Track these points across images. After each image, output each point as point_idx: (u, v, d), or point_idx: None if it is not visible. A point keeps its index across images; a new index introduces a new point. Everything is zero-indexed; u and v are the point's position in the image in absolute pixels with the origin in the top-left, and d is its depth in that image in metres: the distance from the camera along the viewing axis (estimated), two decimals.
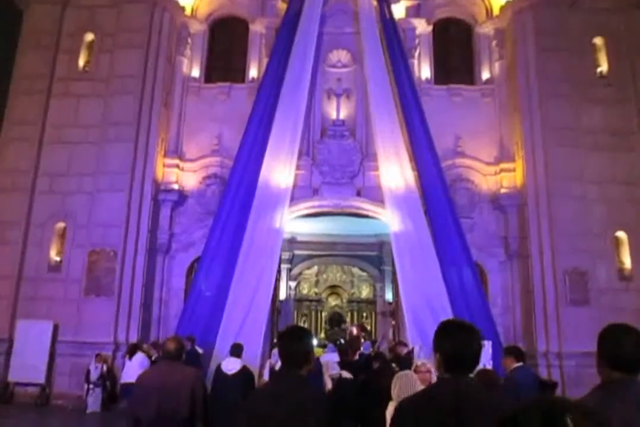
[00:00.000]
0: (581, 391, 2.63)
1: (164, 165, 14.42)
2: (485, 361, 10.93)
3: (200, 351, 11.04)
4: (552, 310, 12.73)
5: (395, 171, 13.60)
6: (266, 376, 10.35)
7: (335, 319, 28.92)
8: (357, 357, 12.67)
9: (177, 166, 14.53)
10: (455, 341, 2.41)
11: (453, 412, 2.20)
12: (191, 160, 14.67)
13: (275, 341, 15.00)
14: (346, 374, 7.83)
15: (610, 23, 14.35)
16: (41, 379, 12.23)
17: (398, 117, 13.86)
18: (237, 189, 13.46)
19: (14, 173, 13.51)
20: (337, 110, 14.81)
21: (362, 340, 20.40)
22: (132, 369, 10.51)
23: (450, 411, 2.20)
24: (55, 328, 12.55)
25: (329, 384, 8.10)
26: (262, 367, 10.95)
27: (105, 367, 11.74)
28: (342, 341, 19.97)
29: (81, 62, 14.49)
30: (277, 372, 3.21)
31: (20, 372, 12.15)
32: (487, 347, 11.28)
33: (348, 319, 28.62)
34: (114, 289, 12.77)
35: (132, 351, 11.15)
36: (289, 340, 3.15)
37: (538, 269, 13.06)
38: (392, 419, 2.40)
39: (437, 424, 2.18)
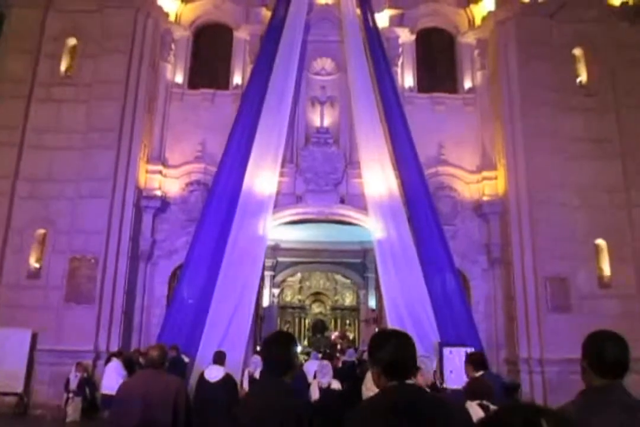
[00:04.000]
0: (563, 398, 2.66)
1: (146, 172, 14.34)
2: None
3: (186, 359, 10.95)
4: (534, 316, 12.84)
5: (378, 179, 13.67)
6: (245, 385, 10.27)
7: (319, 327, 28.86)
8: (339, 364, 12.68)
9: (160, 173, 14.46)
10: (390, 348, 2.46)
11: (405, 419, 2.21)
12: (174, 167, 14.60)
13: (257, 348, 14.95)
14: (335, 384, 7.78)
15: (591, 33, 14.59)
16: (19, 388, 12.03)
17: (382, 125, 13.95)
18: (221, 196, 13.43)
19: None
20: (321, 117, 14.86)
21: (339, 347, 20.37)
22: (109, 378, 10.41)
23: (401, 419, 2.21)
24: (34, 336, 12.37)
25: (315, 393, 8.05)
26: (242, 375, 10.87)
27: (86, 376, 11.59)
28: (326, 349, 19.94)
29: (63, 66, 14.38)
30: (260, 378, 3.24)
31: None
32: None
33: (332, 326, 28.58)
34: (95, 297, 12.63)
35: (108, 358, 11.04)
36: (273, 346, 3.16)
37: (519, 275, 13.17)
38: None
39: None
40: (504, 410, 1.40)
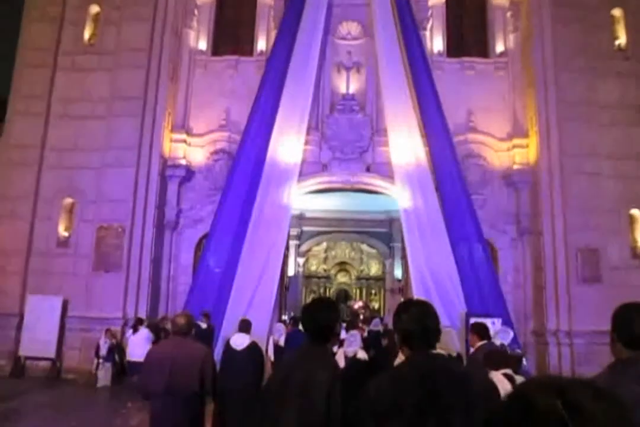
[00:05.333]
0: (590, 370, 2.65)
1: (171, 141, 14.41)
2: (494, 338, 11.02)
3: (203, 326, 11.12)
4: (563, 288, 12.75)
5: (405, 146, 13.53)
6: (271, 353, 10.45)
7: (342, 296, 29.13)
8: (365, 333, 12.81)
9: (185, 141, 14.51)
10: (409, 317, 2.47)
11: (429, 390, 2.21)
12: (199, 135, 14.63)
13: (283, 317, 15.17)
14: (362, 354, 7.86)
15: None
16: (52, 354, 12.45)
17: (409, 92, 13.72)
18: (245, 165, 13.45)
19: (21, 148, 13.54)
20: (347, 84, 14.67)
21: (362, 316, 20.54)
22: (138, 345, 10.69)
23: (425, 389, 2.22)
24: (65, 303, 12.74)
25: (340, 363, 8.18)
26: (267, 343, 11.08)
27: (114, 342, 11.93)
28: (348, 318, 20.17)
29: (87, 35, 14.38)
30: (301, 345, 3.20)
31: (31, 346, 12.36)
32: (497, 325, 11.36)
33: (356, 296, 28.82)
34: (123, 265, 12.89)
35: (135, 326, 11.31)
36: (316, 311, 3.12)
37: (549, 246, 13.04)
38: (364, 403, 2.38)
39: (414, 404, 2.20)
40: (534, 385, 1.24)
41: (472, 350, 6.32)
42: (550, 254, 13.02)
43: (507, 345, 9.14)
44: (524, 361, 10.34)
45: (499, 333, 9.78)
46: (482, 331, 6.29)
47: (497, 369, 4.55)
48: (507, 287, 13.50)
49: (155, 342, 9.99)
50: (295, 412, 2.78)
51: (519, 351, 10.70)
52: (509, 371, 4.89)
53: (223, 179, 13.82)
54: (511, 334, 9.73)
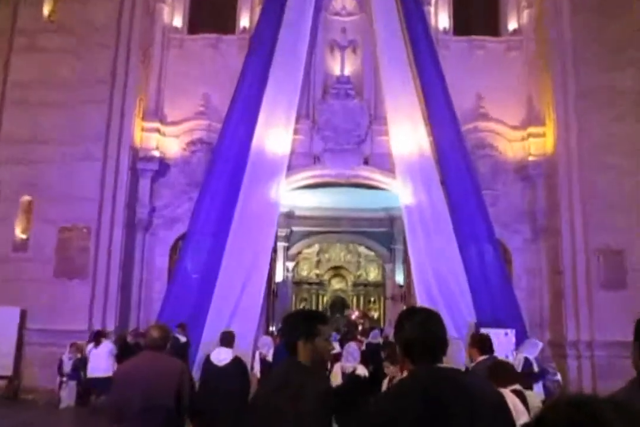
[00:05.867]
0: (613, 385, 2.68)
1: (142, 130, 14.38)
2: (507, 351, 11.08)
3: (182, 340, 11.15)
4: (583, 294, 12.84)
5: (408, 136, 13.57)
6: (257, 369, 10.47)
7: (338, 305, 29.19)
8: (363, 346, 12.87)
9: (158, 131, 14.49)
10: (411, 326, 2.49)
11: (431, 405, 2.25)
12: (174, 124, 14.61)
13: (270, 328, 15.20)
14: (362, 370, 7.88)
15: None
16: (9, 371, 12.40)
17: (411, 74, 13.75)
18: (227, 157, 13.44)
19: None
20: (342, 65, 14.69)
21: (360, 327, 20.61)
22: (100, 360, 10.71)
23: (428, 404, 2.25)
24: (23, 314, 12.67)
25: (337, 378, 8.20)
26: (252, 358, 11.08)
27: (80, 357, 11.89)
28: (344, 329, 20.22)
29: (46, 11, 14.29)
30: (284, 361, 3.38)
31: None
32: (510, 336, 11.43)
33: (353, 305, 28.90)
34: (88, 270, 12.87)
35: (97, 338, 11.31)
36: (288, 320, 3.27)
37: (568, 247, 13.12)
38: (362, 421, 2.47)
39: (414, 419, 2.24)
40: (559, 407, 1.31)
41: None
42: (568, 256, 13.10)
43: (534, 359, 9.18)
44: (558, 377, 10.36)
45: (525, 346, 9.81)
46: (484, 344, 6.28)
47: (504, 385, 4.56)
48: (522, 293, 13.57)
49: (125, 358, 9.98)
50: None
51: (551, 366, 10.71)
52: (518, 387, 4.93)
53: (202, 173, 13.81)
54: (539, 346, 9.76)
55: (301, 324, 3.28)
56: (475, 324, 12.21)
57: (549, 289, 13.71)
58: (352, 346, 8.84)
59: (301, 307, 27.11)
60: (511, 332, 11.56)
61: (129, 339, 11.52)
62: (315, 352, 3.19)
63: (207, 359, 7.97)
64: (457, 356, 10.30)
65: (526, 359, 8.97)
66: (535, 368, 9.01)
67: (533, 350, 9.46)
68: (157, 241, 14.26)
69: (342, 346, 12.45)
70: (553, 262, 13.62)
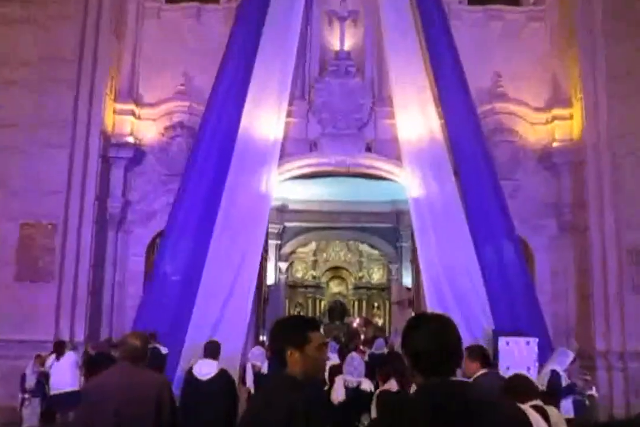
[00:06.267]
0: None
1: (115, 113, 14.33)
2: (529, 363, 11.12)
3: (164, 350, 11.17)
4: (614, 298, 12.85)
5: (416, 119, 13.55)
6: (250, 383, 10.49)
7: (338, 311, 29.21)
8: (366, 358, 12.88)
9: (132, 113, 14.44)
10: (421, 335, 2.48)
11: (441, 423, 2.25)
12: (150, 106, 14.57)
13: (261, 337, 15.21)
14: (367, 385, 7.89)
15: None
16: None
17: (420, 49, 13.73)
18: (211, 143, 13.40)
19: None
20: (341, 39, 14.64)
21: (363, 336, 20.64)
22: (64, 373, 10.69)
23: (437, 423, 2.25)
24: None
25: (339, 394, 8.21)
26: (244, 370, 11.10)
27: (44, 371, 11.87)
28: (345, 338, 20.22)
29: None
30: (272, 375, 3.42)
31: None
32: (532, 345, 11.46)
33: (355, 310, 28.91)
34: (54, 273, 12.83)
35: (58, 349, 11.29)
36: (275, 329, 3.29)
37: (598, 245, 13.13)
38: None
39: None
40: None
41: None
42: (598, 255, 13.12)
43: (563, 371, 9.18)
44: (594, 392, 10.37)
45: (554, 356, 9.82)
46: (486, 357, 6.35)
47: (523, 401, 4.56)
48: (545, 297, 13.58)
49: (96, 371, 9.96)
50: None
51: (585, 378, 10.72)
52: (539, 403, 4.94)
53: (182, 161, 13.76)
54: (570, 357, 9.78)
55: (289, 330, 3.30)
56: (493, 332, 12.22)
57: (576, 292, 13.73)
58: (355, 358, 8.86)
59: (296, 313, 27.10)
60: (533, 341, 11.58)
61: (90, 351, 11.47)
62: (306, 362, 3.19)
63: (189, 373, 7.97)
64: None
65: (553, 372, 8.98)
66: (564, 382, 9.02)
67: (563, 361, 9.46)
68: (131, 239, 14.23)
69: (341, 357, 12.47)
70: (580, 262, 13.63)
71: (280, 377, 3.18)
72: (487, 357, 6.36)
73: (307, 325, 3.36)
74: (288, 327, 3.38)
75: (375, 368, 10.32)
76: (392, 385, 7.29)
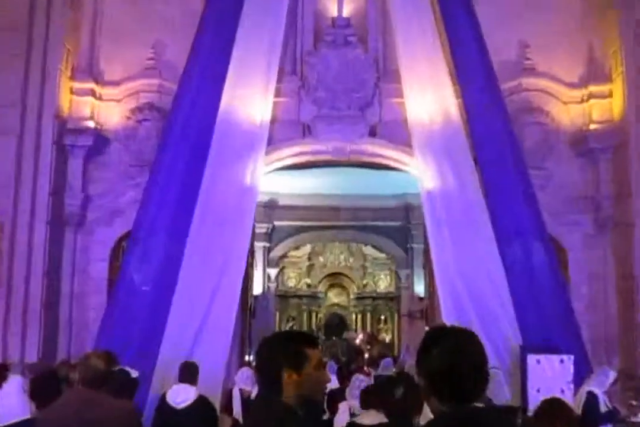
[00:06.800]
0: None
1: (71, 92, 14.30)
2: (563, 384, 11.13)
3: (133, 373, 11.12)
4: None
5: (429, 97, 13.52)
6: (238, 411, 10.47)
7: (336, 325, 29.23)
8: (371, 380, 12.88)
9: (93, 93, 14.41)
10: (439, 353, 2.46)
11: None
12: (114, 84, 14.54)
13: (248, 357, 15.20)
14: (369, 420, 7.82)
15: None
16: None
17: (433, 14, 13.72)
18: (186, 128, 13.34)
19: None
20: (339, 3, 14.62)
21: (367, 355, 20.67)
22: (10, 401, 10.62)
23: None
24: None
25: (344, 420, 8.20)
26: (228, 397, 11.08)
27: None
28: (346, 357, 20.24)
29: None
30: (261, 402, 3.34)
31: None
32: (567, 364, 11.46)
33: (357, 325, 28.93)
34: (1, 281, 12.80)
35: (1, 374, 11.24)
36: (264, 349, 3.23)
37: None
38: None
39: None
40: None
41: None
42: None
43: (602, 394, 9.18)
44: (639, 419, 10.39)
45: (594, 376, 9.82)
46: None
47: None
48: (581, 305, 13.59)
49: (42, 400, 9.91)
50: None
51: (631, 403, 10.73)
52: None
53: (152, 149, 13.72)
54: (610, 377, 9.78)
55: (284, 347, 3.24)
56: (520, 349, 12.23)
57: (618, 299, 13.74)
58: (362, 380, 8.85)
59: (288, 328, 27.13)
60: (568, 359, 11.58)
61: (28, 375, 11.40)
62: (305, 385, 3.16)
63: (162, 400, 7.96)
64: (497, 390, 10.32)
65: (591, 394, 8.98)
66: (603, 406, 9.01)
67: (602, 381, 9.46)
68: (93, 241, 14.20)
69: (341, 379, 12.48)
70: (622, 264, 13.64)
71: (275, 404, 3.12)
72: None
73: (304, 340, 3.33)
74: (282, 343, 3.32)
75: (384, 391, 10.35)
76: (370, 417, 7.22)
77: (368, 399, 7.51)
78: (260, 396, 3.30)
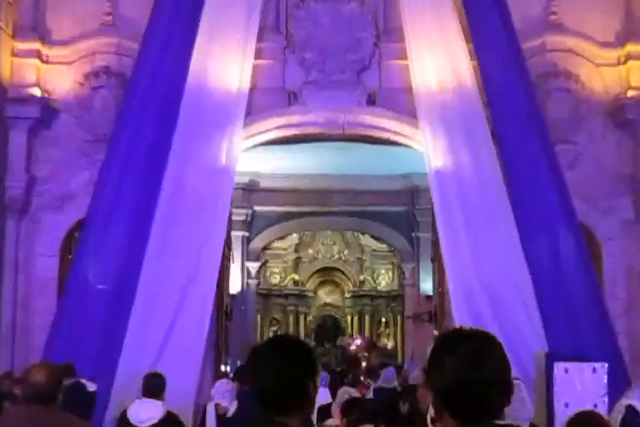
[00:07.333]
0: None
1: (13, 55, 14.25)
2: (596, 397, 11.16)
3: (92, 387, 11.14)
4: None
5: (437, 59, 13.52)
6: None
7: (329, 329, 29.31)
8: (370, 394, 12.94)
9: (38, 55, 14.34)
10: (453, 363, 2.45)
11: None
12: (63, 44, 14.48)
13: (224, 367, 15.21)
14: None
15: None
16: None
17: None
18: (150, 96, 13.31)
19: None
20: None
21: (365, 364, 20.76)
22: None
23: None
24: None
25: None
26: (201, 413, 11.10)
27: None
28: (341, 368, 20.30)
29: None
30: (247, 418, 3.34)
31: None
32: (601, 373, 11.50)
33: (352, 329, 29.00)
34: None
35: None
36: (270, 361, 3.20)
37: None
38: None
39: None
40: None
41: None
42: None
43: None
44: None
45: (633, 387, 9.84)
46: None
47: None
48: (618, 306, 13.63)
49: None
50: None
51: None
52: None
53: (109, 122, 13.71)
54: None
55: (307, 356, 3.25)
56: (546, 356, 12.26)
57: None
58: (351, 392, 8.85)
59: (272, 333, 27.17)
60: (602, 368, 11.61)
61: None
62: (312, 403, 3.21)
63: (123, 419, 7.97)
64: (519, 405, 10.35)
65: (630, 409, 9.02)
66: None
67: None
68: (40, 231, 14.18)
69: (334, 393, 12.51)
70: None
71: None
72: None
73: (312, 350, 3.36)
74: (306, 349, 3.33)
75: (385, 406, 10.39)
76: None
77: (349, 411, 7.46)
78: (260, 417, 3.25)
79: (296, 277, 29.49)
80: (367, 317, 28.93)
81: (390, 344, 27.73)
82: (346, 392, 8.96)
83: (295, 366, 3.13)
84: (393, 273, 28.47)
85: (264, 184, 21.33)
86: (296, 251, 29.51)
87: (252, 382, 3.31)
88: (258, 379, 3.18)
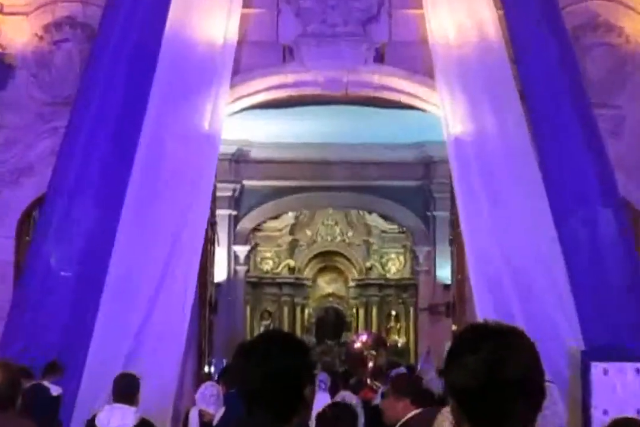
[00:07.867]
0: None
1: None
2: (638, 402, 11.22)
3: (55, 391, 11.21)
4: None
5: (457, 8, 13.54)
6: None
7: (331, 323, 29.37)
8: (378, 398, 13.04)
9: None
10: (474, 362, 2.46)
11: None
12: None
13: (208, 368, 15.30)
14: None
15: None
16: None
17: None
18: (120, 51, 13.33)
19: None
20: None
21: (372, 363, 20.87)
22: None
23: None
24: None
25: None
26: (183, 421, 11.18)
27: None
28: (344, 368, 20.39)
29: None
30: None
31: None
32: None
33: (357, 322, 29.07)
34: None
35: None
36: (259, 358, 3.25)
37: None
38: None
39: None
40: None
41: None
42: None
43: None
44: None
45: None
46: (415, 390, 6.47)
47: None
48: None
49: None
50: None
51: None
52: None
53: (75, 81, 13.75)
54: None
55: (303, 355, 3.30)
56: (582, 355, 12.32)
57: None
58: (350, 397, 8.93)
59: (262, 327, 27.26)
60: None
61: None
62: (309, 408, 3.26)
63: (91, 425, 8.05)
64: (550, 412, 10.44)
65: None
66: None
67: None
68: None
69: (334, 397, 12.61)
70: None
71: None
72: (420, 391, 6.41)
73: (309, 349, 3.42)
74: (303, 348, 3.39)
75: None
76: None
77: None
78: (251, 424, 3.29)
79: (292, 263, 29.49)
80: (374, 310, 28.94)
81: (401, 341, 27.81)
82: (346, 396, 8.98)
83: (288, 364, 3.16)
84: (405, 258, 28.50)
85: (255, 154, 21.37)
86: (292, 232, 29.50)
87: (239, 383, 3.35)
88: (245, 379, 3.21)
